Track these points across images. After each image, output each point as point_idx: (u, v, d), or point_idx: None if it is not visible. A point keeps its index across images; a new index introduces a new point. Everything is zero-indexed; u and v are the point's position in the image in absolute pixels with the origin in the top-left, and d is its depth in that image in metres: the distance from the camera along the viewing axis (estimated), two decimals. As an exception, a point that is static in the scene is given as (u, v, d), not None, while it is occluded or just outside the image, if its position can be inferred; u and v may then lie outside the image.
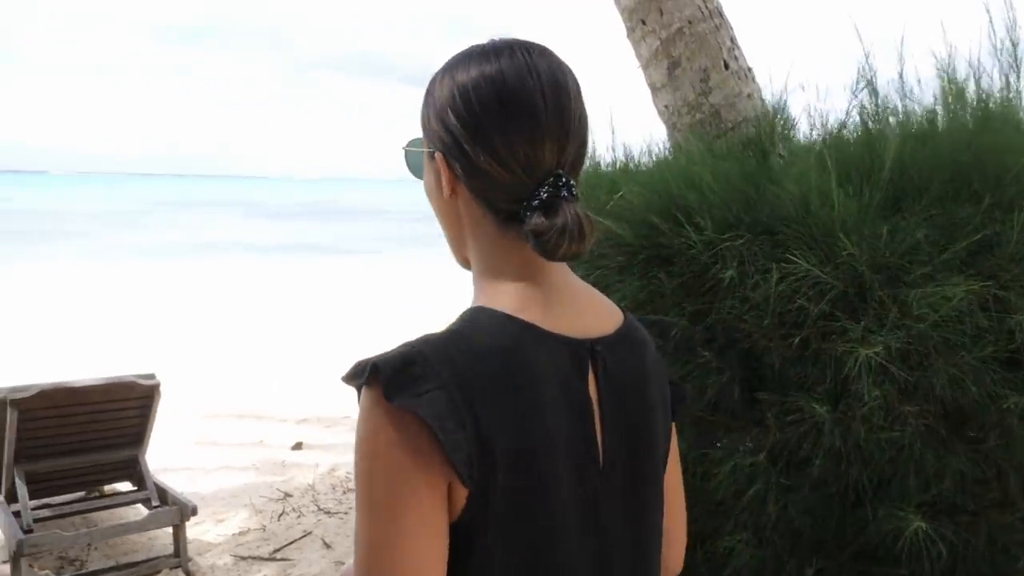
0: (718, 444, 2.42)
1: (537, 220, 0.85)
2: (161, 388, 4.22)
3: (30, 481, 4.27)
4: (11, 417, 4.07)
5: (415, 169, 1.00)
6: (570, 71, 0.91)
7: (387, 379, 0.79)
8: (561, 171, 0.87)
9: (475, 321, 0.87)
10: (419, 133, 0.97)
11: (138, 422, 4.36)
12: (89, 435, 4.27)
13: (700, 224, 2.45)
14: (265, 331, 13.21)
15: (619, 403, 0.92)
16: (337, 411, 7.76)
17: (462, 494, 0.81)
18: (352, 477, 6.45)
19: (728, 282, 2.38)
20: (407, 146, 0.99)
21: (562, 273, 0.94)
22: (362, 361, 0.82)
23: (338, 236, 32.53)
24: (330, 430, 7.45)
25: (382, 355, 0.82)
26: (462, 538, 0.82)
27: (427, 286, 11.55)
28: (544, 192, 0.86)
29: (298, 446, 6.94)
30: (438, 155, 0.91)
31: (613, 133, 3.67)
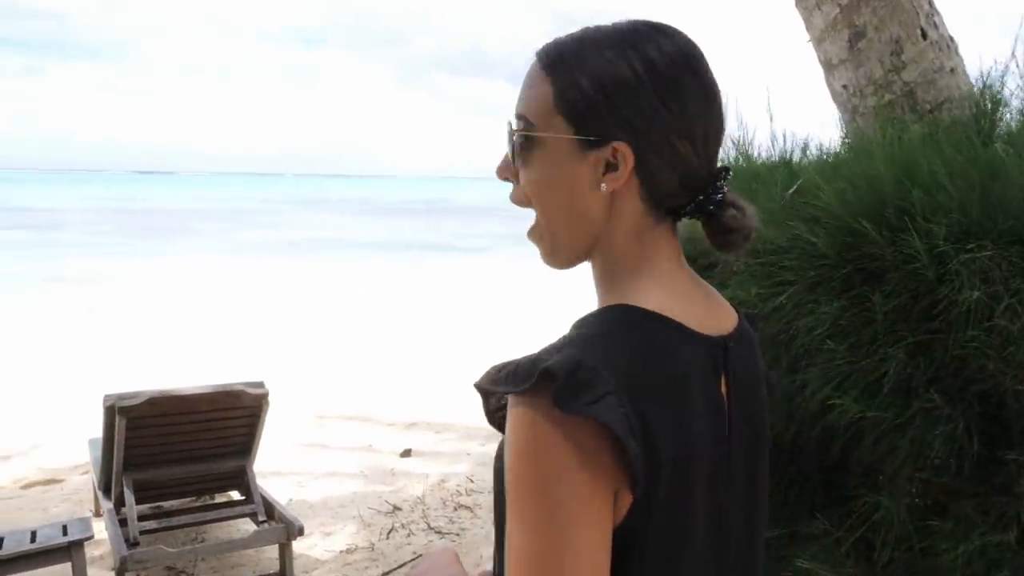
0: (948, 515, 1.87)
1: (732, 214, 0.84)
2: (269, 397, 3.97)
3: (138, 489, 4.11)
4: (119, 425, 3.91)
5: (518, 155, 0.87)
6: None
7: (559, 385, 0.74)
8: (726, 165, 0.86)
9: (626, 321, 0.81)
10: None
11: (246, 432, 4.14)
12: (197, 444, 4.07)
13: (928, 230, 1.90)
14: (376, 330, 13.15)
15: (743, 404, 0.88)
16: (446, 416, 7.49)
17: (625, 503, 0.77)
18: (463, 492, 6.43)
19: (967, 305, 1.83)
20: (518, 130, 0.86)
21: (688, 270, 0.90)
22: (509, 365, 0.78)
23: (452, 234, 32.64)
24: (439, 436, 7.15)
25: (548, 360, 0.75)
26: (620, 548, 0.78)
27: (540, 285, 11.13)
28: (723, 185, 0.84)
29: (407, 453, 6.67)
30: (622, 146, 0.80)
31: (771, 120, 3.12)
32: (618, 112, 0.80)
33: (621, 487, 0.76)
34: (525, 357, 0.78)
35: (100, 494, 4.47)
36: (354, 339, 12.33)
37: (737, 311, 0.95)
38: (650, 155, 0.81)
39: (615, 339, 0.79)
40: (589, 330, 0.80)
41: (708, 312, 0.88)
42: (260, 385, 3.96)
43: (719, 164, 0.86)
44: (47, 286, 18.87)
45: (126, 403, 3.82)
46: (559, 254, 0.89)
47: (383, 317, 14.68)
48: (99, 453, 4.38)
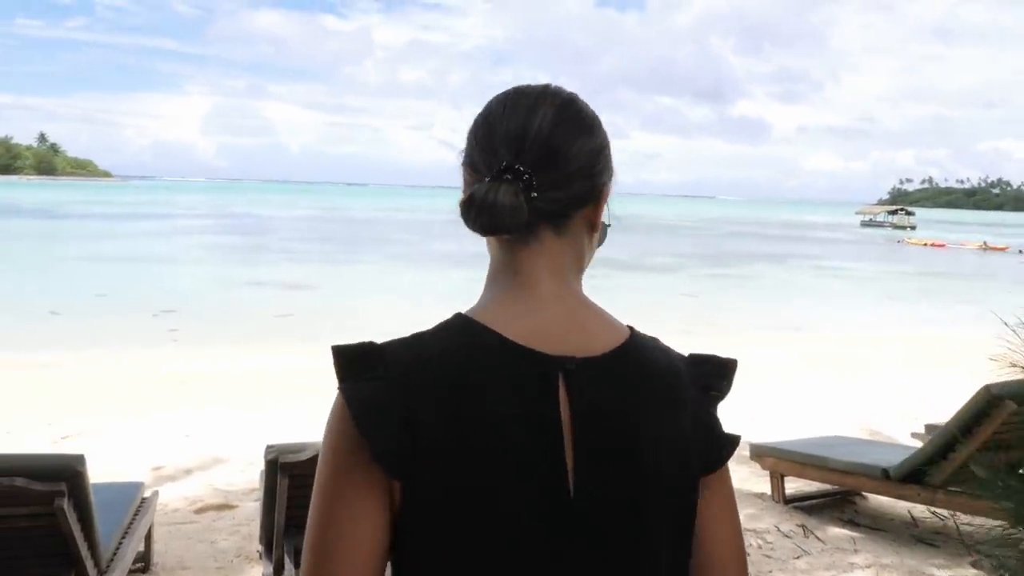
0: None
1: (475, 189, 0.87)
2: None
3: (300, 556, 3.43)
4: (281, 483, 3.25)
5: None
6: (573, 104, 0.95)
7: (340, 363, 0.83)
8: (520, 167, 0.88)
9: (445, 325, 0.87)
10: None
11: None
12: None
13: None
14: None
15: (599, 429, 0.85)
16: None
17: (397, 486, 0.81)
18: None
19: None
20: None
21: (558, 287, 0.91)
22: (334, 345, 0.85)
23: (636, 251, 31.55)
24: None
25: (348, 343, 0.84)
26: (401, 531, 0.82)
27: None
28: (495, 172, 0.88)
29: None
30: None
31: None
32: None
33: (380, 472, 0.81)
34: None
35: (262, 549, 3.87)
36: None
37: (634, 338, 0.91)
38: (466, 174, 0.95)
39: (420, 338, 0.85)
40: (426, 329, 0.87)
41: (560, 330, 0.87)
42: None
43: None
44: (247, 291, 19.75)
45: (291, 458, 3.15)
46: None
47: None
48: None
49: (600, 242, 1.00)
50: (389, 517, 0.82)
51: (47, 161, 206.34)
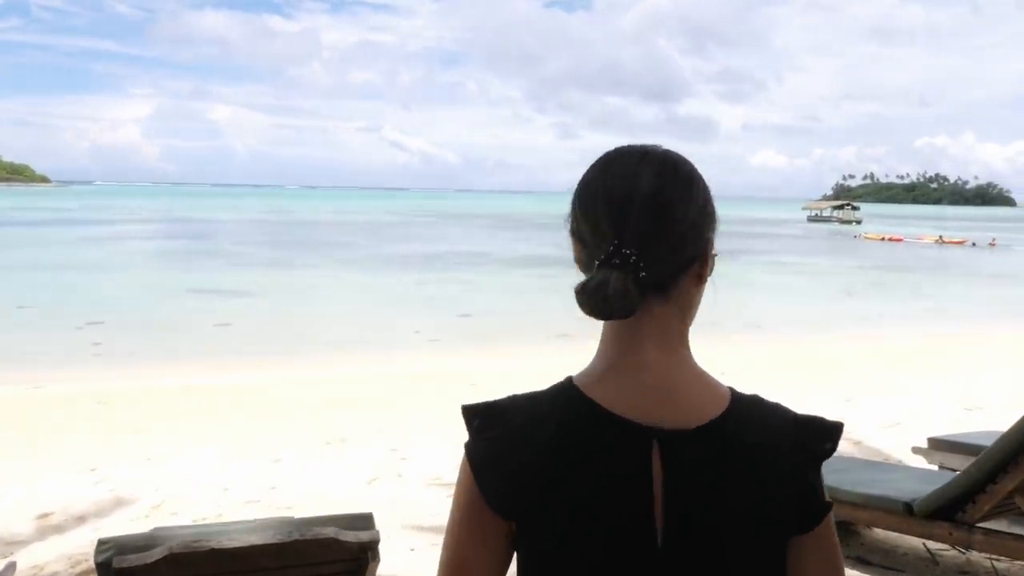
0: None
1: (586, 281, 0.91)
2: (379, 545, 2.40)
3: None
4: None
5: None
6: (679, 168, 0.97)
7: (468, 420, 0.95)
8: (624, 246, 0.91)
9: (557, 390, 0.94)
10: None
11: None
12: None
13: None
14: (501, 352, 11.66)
15: (688, 496, 0.90)
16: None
17: (513, 528, 0.92)
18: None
19: None
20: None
21: (663, 355, 0.94)
22: (463, 405, 0.96)
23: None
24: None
25: (476, 402, 0.96)
26: (518, 570, 0.94)
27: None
28: (602, 257, 0.91)
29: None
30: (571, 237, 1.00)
31: None
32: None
33: (496, 515, 0.92)
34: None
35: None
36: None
37: (735, 406, 0.94)
38: (580, 249, 0.98)
39: (539, 399, 0.94)
40: (540, 391, 0.96)
41: (655, 401, 0.91)
42: (365, 522, 2.41)
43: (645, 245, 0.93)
44: (185, 299, 18.67)
45: (130, 561, 2.10)
46: None
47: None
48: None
49: (709, 274, 1.00)
50: (507, 559, 0.94)
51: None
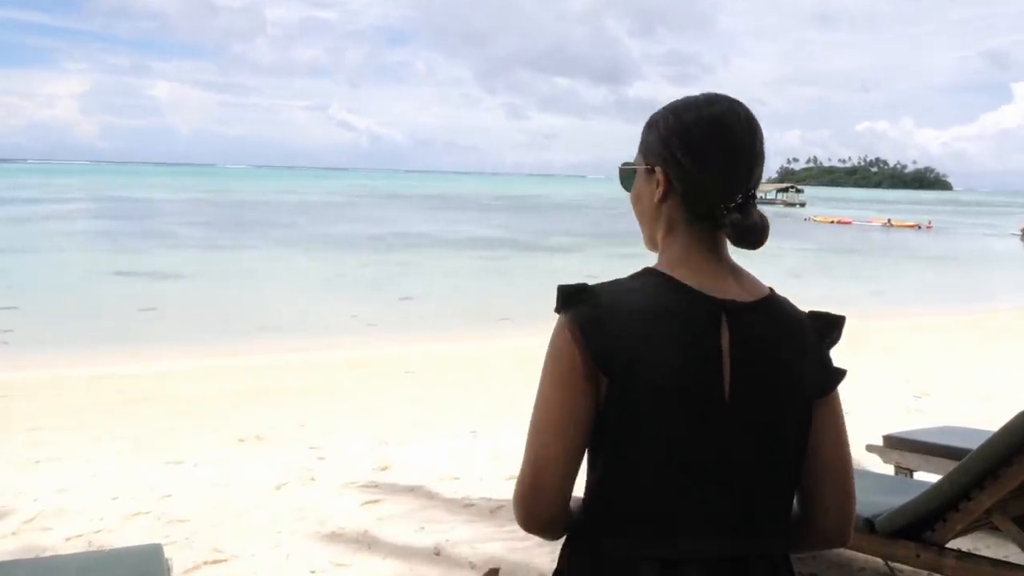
0: None
1: (735, 217, 1.14)
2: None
3: None
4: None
5: (625, 182, 1.30)
6: (755, 118, 1.21)
7: (564, 296, 1.13)
8: (751, 187, 1.17)
9: (638, 275, 1.17)
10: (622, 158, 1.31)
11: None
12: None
13: None
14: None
15: (749, 354, 1.12)
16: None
17: (604, 384, 1.09)
18: None
19: None
20: (623, 165, 1.29)
21: (723, 254, 1.19)
22: (559, 285, 1.15)
23: (538, 232, 30.66)
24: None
25: (573, 283, 1.15)
26: (603, 417, 1.11)
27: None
28: (739, 199, 1.15)
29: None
30: (659, 170, 1.20)
31: None
32: (660, 150, 1.20)
33: (594, 369, 1.09)
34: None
35: None
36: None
37: (772, 295, 1.19)
38: (681, 179, 1.17)
39: (624, 281, 1.16)
40: (622, 277, 1.17)
41: (722, 284, 1.15)
42: (149, 561, 1.90)
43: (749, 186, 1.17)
44: (109, 282, 17.72)
45: None
46: (645, 241, 1.28)
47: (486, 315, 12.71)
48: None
49: None
50: (594, 407, 1.11)
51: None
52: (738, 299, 1.13)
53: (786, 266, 22.57)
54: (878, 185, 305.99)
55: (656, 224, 1.21)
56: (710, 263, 1.15)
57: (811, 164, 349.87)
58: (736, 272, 1.17)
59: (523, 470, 1.12)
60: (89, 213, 44.68)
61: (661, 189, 1.18)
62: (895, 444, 4.01)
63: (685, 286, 1.12)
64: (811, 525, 1.20)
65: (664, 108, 1.22)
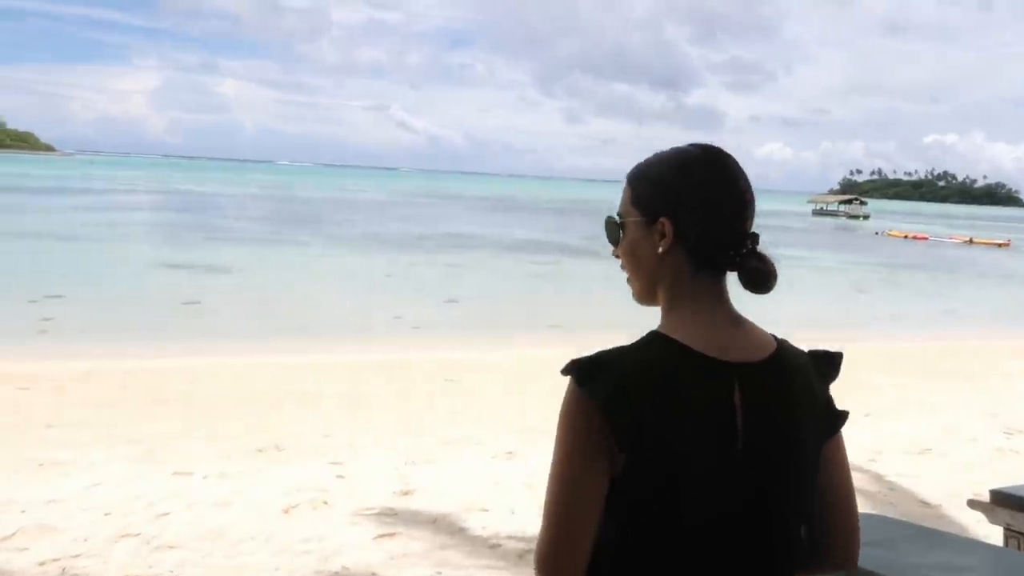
0: None
1: (755, 264, 1.17)
2: None
3: None
4: None
5: (611, 235, 1.28)
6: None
7: (578, 372, 1.11)
8: (752, 232, 1.20)
9: (648, 342, 1.15)
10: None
11: None
12: None
13: None
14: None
15: (761, 415, 1.14)
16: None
17: (620, 459, 1.09)
18: None
19: None
20: (611, 218, 1.28)
21: (727, 307, 1.20)
22: (572, 359, 1.13)
23: (590, 237, 29.98)
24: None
25: (581, 356, 1.12)
26: (619, 486, 1.10)
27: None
28: (750, 246, 1.18)
29: None
30: (664, 220, 1.19)
31: None
32: (658, 201, 1.21)
33: (612, 443, 1.09)
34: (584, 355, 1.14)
35: None
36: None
37: (780, 346, 1.21)
38: (687, 229, 1.18)
39: (632, 351, 1.14)
40: (629, 344, 1.15)
41: (731, 342, 1.16)
42: None
43: (751, 231, 1.20)
44: (158, 274, 17.69)
45: None
46: (638, 296, 1.27)
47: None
48: None
49: None
50: (610, 477, 1.11)
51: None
52: (749, 360, 1.16)
53: (853, 281, 21.47)
54: (945, 200, 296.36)
55: (657, 276, 1.22)
56: (717, 316, 1.19)
57: (875, 176, 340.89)
58: (739, 323, 1.20)
59: (542, 538, 1.14)
60: (151, 205, 45.56)
61: (667, 240, 1.18)
62: (1006, 502, 3.33)
63: (697, 353, 1.14)
64: (822, 551, 1.26)
65: (655, 160, 1.25)
